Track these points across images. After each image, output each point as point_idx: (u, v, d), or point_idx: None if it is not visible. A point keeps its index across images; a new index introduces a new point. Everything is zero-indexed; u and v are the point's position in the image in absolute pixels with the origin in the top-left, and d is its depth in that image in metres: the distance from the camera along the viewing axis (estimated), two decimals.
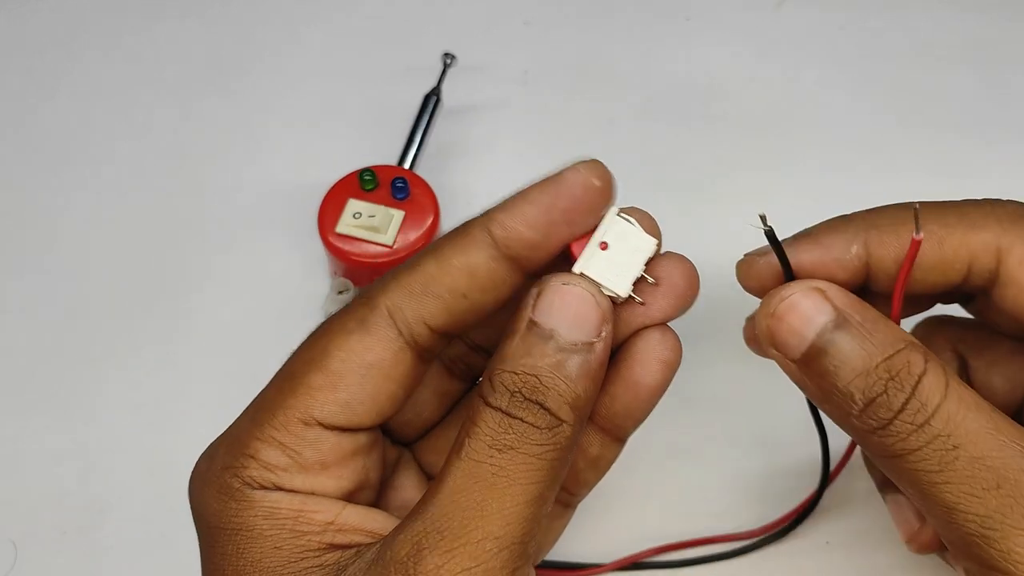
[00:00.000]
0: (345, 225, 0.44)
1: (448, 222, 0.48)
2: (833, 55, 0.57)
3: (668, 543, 0.40)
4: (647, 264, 0.27)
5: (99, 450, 0.44)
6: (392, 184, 0.45)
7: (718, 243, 0.50)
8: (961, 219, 0.26)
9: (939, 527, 0.25)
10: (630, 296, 0.27)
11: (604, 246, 0.26)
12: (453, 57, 0.50)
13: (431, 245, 0.27)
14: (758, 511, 0.41)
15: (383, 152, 0.50)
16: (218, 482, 0.26)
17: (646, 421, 0.29)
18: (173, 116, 0.55)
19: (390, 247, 0.44)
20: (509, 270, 0.26)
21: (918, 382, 0.24)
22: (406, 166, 0.48)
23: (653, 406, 0.28)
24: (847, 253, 0.27)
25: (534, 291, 0.26)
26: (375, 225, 0.44)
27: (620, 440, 0.30)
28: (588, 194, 0.26)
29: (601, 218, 0.27)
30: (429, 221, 0.45)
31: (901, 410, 0.24)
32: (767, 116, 0.54)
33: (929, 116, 0.54)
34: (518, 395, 0.24)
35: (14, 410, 0.45)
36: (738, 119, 0.54)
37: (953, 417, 0.24)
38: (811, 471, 0.38)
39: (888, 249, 0.26)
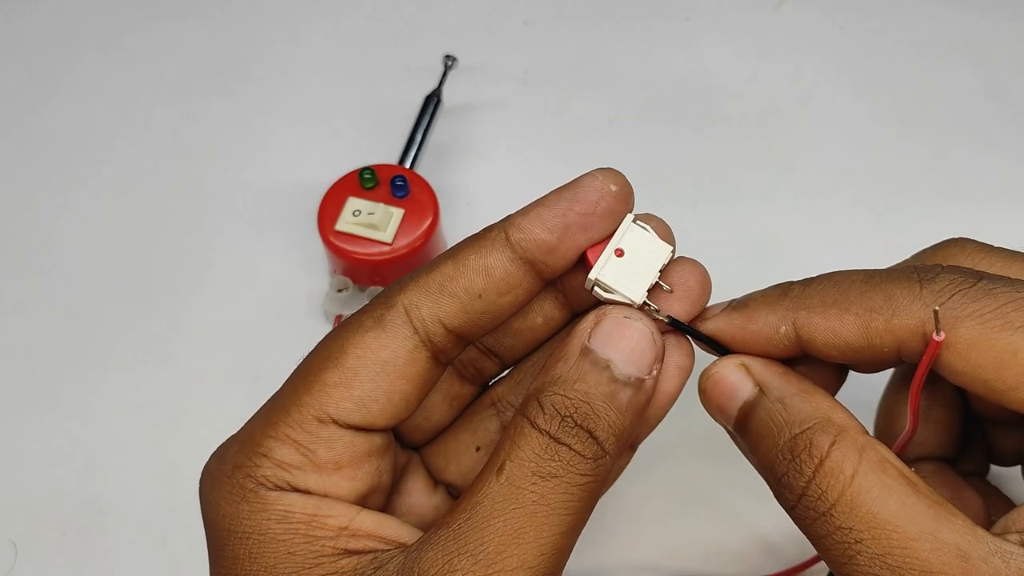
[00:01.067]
0: (344, 223, 0.44)
1: (447, 221, 0.48)
2: (833, 55, 0.57)
3: None
4: (661, 271, 0.27)
5: (99, 450, 0.44)
6: (392, 182, 0.45)
7: (718, 243, 0.50)
8: (887, 302, 0.25)
9: None
10: (644, 303, 0.27)
11: (620, 253, 0.26)
12: (454, 59, 0.51)
13: (451, 248, 0.27)
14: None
15: (383, 152, 0.50)
16: (230, 482, 0.25)
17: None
18: (173, 116, 0.55)
19: (389, 245, 0.44)
20: (525, 273, 0.26)
21: (819, 466, 0.23)
22: (406, 166, 0.48)
23: (667, 412, 0.28)
24: (776, 333, 0.26)
25: (590, 318, 0.26)
26: (374, 223, 0.44)
27: (633, 447, 0.30)
28: (604, 199, 0.26)
29: (617, 225, 0.27)
30: (428, 219, 0.45)
31: (802, 494, 0.23)
32: (767, 116, 0.54)
33: (929, 116, 0.54)
34: (569, 420, 0.24)
35: (14, 410, 0.45)
36: (738, 119, 0.54)
37: (857, 508, 0.22)
38: None
39: (816, 332, 0.26)
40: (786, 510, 0.25)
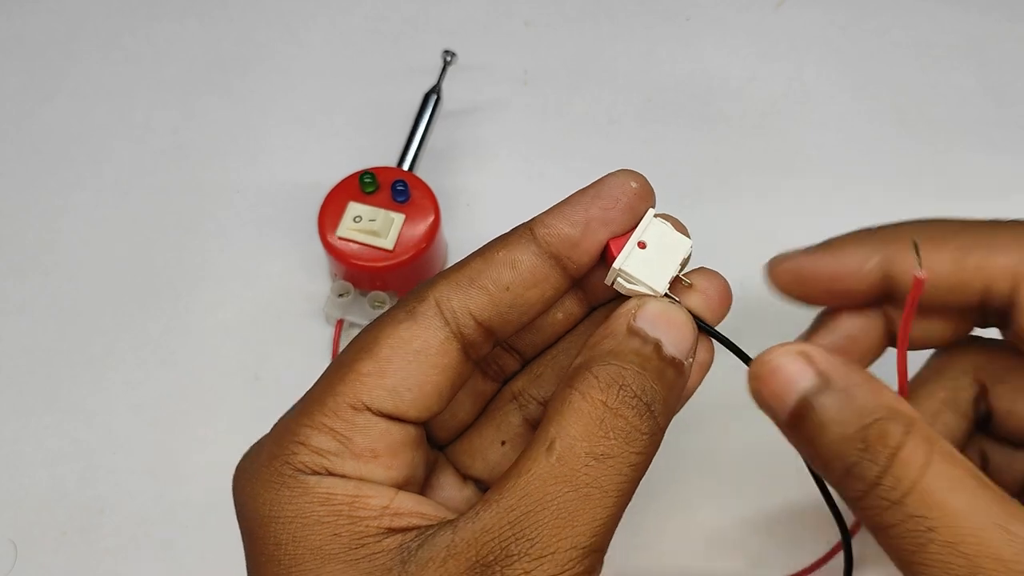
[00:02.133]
0: (346, 229, 0.44)
1: (448, 224, 0.48)
2: (833, 55, 0.57)
3: None
4: (682, 264, 0.27)
5: (99, 450, 0.44)
6: (392, 187, 0.45)
7: (718, 243, 0.50)
8: (980, 241, 0.25)
9: None
10: (666, 294, 0.27)
11: (642, 245, 0.27)
12: (453, 55, 0.50)
13: (479, 248, 0.28)
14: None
15: (383, 152, 0.50)
16: (268, 471, 0.25)
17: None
18: (173, 116, 0.55)
19: (391, 251, 0.44)
20: (551, 267, 0.27)
21: (894, 455, 0.23)
22: (405, 166, 0.47)
23: (683, 406, 0.29)
24: (863, 267, 0.26)
25: (633, 302, 0.27)
26: (376, 229, 0.43)
27: None
28: (625, 194, 0.27)
29: (640, 220, 0.27)
30: (429, 224, 0.45)
31: (876, 484, 0.23)
32: (767, 116, 0.54)
33: (929, 116, 0.54)
34: (628, 390, 0.24)
35: (14, 410, 0.45)
36: (738, 119, 0.54)
37: (931, 496, 0.23)
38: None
39: (907, 267, 0.26)
40: (849, 499, 0.25)
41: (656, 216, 0.27)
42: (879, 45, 0.57)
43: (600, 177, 0.27)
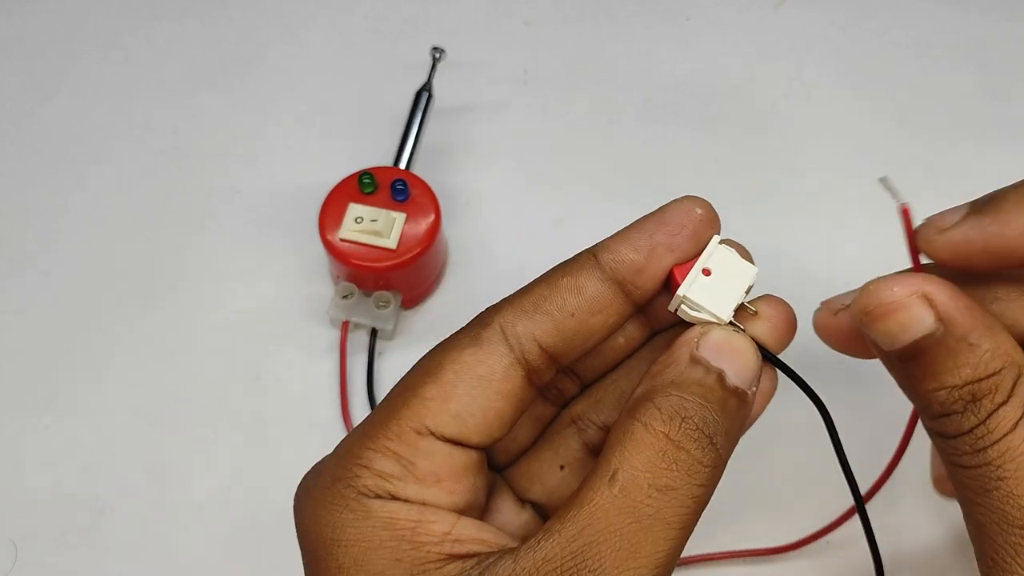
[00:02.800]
0: (347, 230, 0.44)
1: (449, 222, 0.48)
2: (833, 55, 0.57)
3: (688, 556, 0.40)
4: (747, 292, 0.27)
5: (99, 450, 0.44)
6: (392, 186, 0.45)
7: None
8: None
9: (970, 535, 0.25)
10: (730, 322, 0.27)
11: (707, 272, 0.27)
12: (442, 51, 0.50)
13: (542, 274, 0.28)
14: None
15: (383, 152, 0.50)
16: (330, 493, 0.25)
17: None
18: (173, 116, 0.55)
19: (394, 251, 0.44)
20: (615, 294, 0.27)
21: (995, 410, 0.24)
22: (402, 165, 0.47)
23: (744, 434, 0.29)
24: None
25: (696, 330, 0.27)
26: (377, 229, 0.43)
27: None
28: (690, 220, 0.27)
29: (704, 246, 0.27)
30: (431, 222, 0.45)
31: (969, 432, 0.24)
32: (767, 116, 0.54)
33: (929, 116, 0.54)
34: (690, 423, 0.24)
35: (14, 410, 0.45)
36: (738, 119, 0.54)
37: (1010, 452, 0.23)
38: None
39: None
40: (933, 433, 0.25)
41: (721, 242, 0.27)
42: (879, 45, 0.57)
43: (666, 203, 0.27)
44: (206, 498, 0.43)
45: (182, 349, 0.47)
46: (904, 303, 0.25)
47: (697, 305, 0.27)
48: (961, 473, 0.24)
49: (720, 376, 0.25)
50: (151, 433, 0.44)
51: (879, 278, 0.25)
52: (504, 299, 0.27)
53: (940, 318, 0.24)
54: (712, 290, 0.27)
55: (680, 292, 0.27)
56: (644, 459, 0.24)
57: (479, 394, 0.26)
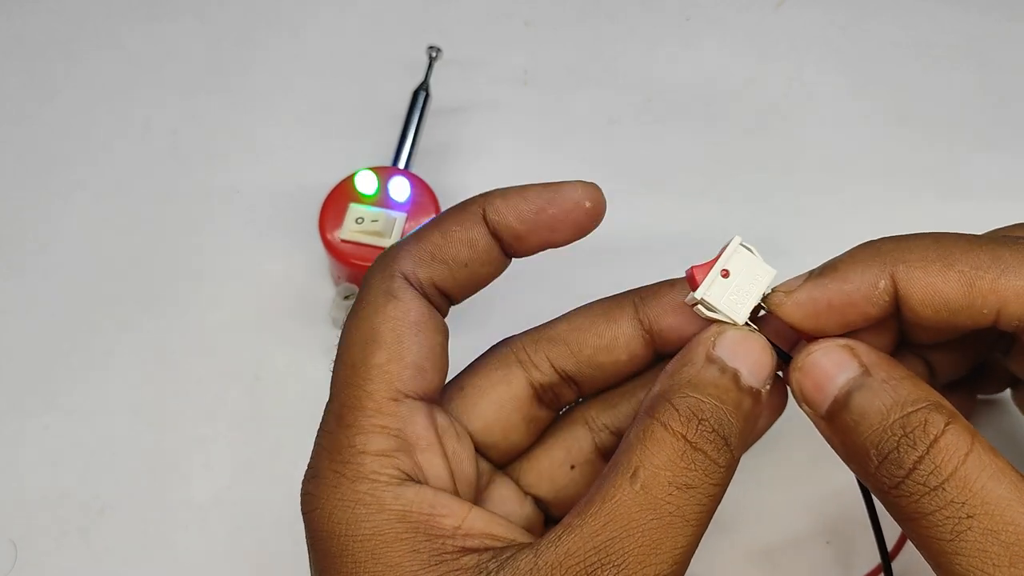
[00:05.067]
0: (348, 231, 0.44)
1: None
2: (833, 55, 0.57)
3: None
4: (765, 294, 0.28)
5: (99, 450, 0.44)
6: (391, 186, 0.45)
7: (718, 243, 0.50)
8: (995, 261, 0.25)
9: None
10: (745, 323, 0.27)
11: (725, 273, 0.27)
12: (439, 50, 0.50)
13: (434, 218, 0.29)
14: None
15: (383, 152, 0.50)
16: (339, 491, 0.26)
17: None
18: (173, 116, 0.55)
19: None
20: (498, 248, 0.28)
21: (934, 442, 0.23)
22: (400, 165, 0.47)
23: (753, 443, 0.29)
24: (874, 289, 0.26)
25: (712, 329, 0.27)
26: (378, 230, 0.43)
27: None
28: (576, 210, 0.28)
29: (724, 247, 0.28)
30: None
31: (913, 469, 0.23)
32: (767, 116, 0.54)
33: (929, 116, 0.54)
34: (706, 424, 0.25)
35: (14, 410, 0.45)
36: (738, 119, 0.54)
37: (971, 484, 0.23)
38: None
39: (916, 287, 0.26)
40: (883, 491, 0.25)
41: (741, 244, 0.28)
42: (879, 45, 0.57)
43: (563, 181, 0.28)
44: (206, 498, 0.43)
45: (182, 349, 0.47)
46: (828, 354, 0.26)
47: (714, 307, 0.27)
48: (927, 524, 0.23)
49: (735, 376, 0.26)
50: (151, 433, 0.44)
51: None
52: (397, 245, 0.29)
53: (862, 364, 0.26)
54: (730, 292, 0.27)
55: (697, 294, 0.27)
56: (664, 458, 0.24)
57: (424, 339, 0.27)
